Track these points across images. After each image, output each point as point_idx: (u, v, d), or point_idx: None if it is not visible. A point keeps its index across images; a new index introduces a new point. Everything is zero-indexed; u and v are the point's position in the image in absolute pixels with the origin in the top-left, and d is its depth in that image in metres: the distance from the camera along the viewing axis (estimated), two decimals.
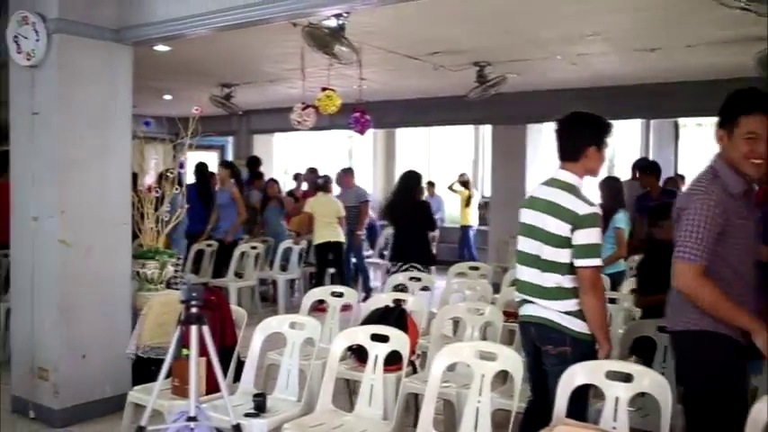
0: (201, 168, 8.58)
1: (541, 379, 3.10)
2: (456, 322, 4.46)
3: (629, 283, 5.14)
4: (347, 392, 4.30)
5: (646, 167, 7.23)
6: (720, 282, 2.60)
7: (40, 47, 4.36)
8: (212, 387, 3.45)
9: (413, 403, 4.02)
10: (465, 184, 11.82)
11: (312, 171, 10.47)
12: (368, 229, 10.32)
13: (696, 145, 11.68)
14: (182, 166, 5.06)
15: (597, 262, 2.95)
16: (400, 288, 5.29)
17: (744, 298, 2.61)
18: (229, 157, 13.85)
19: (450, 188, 12.00)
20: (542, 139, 10.26)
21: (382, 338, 3.50)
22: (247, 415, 3.35)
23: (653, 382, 2.73)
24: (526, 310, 3.13)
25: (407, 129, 13.67)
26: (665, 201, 6.45)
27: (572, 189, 3.03)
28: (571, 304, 2.98)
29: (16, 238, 4.67)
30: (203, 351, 3.01)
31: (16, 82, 4.62)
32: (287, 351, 3.81)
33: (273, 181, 9.79)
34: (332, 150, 15.21)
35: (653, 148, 11.89)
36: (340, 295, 4.70)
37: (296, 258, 8.62)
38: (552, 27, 5.94)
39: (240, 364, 3.84)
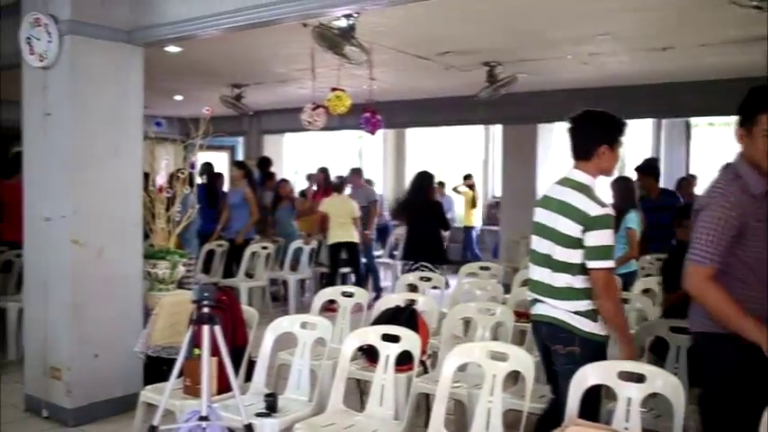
0: (207, 169, 8.60)
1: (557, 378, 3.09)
2: (467, 322, 4.46)
3: (640, 284, 5.13)
4: (358, 392, 4.30)
5: (643, 168, 7.00)
6: (739, 283, 2.57)
7: (52, 48, 4.39)
8: (224, 387, 3.46)
9: (424, 403, 4.02)
10: (470, 185, 11.82)
11: (323, 171, 10.48)
12: (380, 229, 10.32)
13: (708, 145, 11.54)
14: (192, 166, 5.07)
15: (609, 264, 2.93)
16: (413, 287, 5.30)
17: (763, 300, 2.58)
18: (240, 157, 13.85)
19: (456, 190, 12.00)
20: (553, 139, 10.22)
21: (393, 338, 3.50)
22: (259, 415, 3.36)
23: (665, 382, 2.71)
24: (537, 310, 3.12)
25: (417, 129, 13.64)
26: (664, 202, 6.44)
27: (584, 189, 3.00)
28: (581, 305, 2.97)
29: (29, 238, 4.70)
30: (215, 351, 3.03)
31: (29, 83, 4.65)
32: (298, 351, 3.81)
33: (285, 181, 9.82)
34: (342, 151, 15.21)
35: (664, 147, 11.79)
36: (351, 295, 4.71)
37: (306, 258, 8.63)
38: (563, 26, 5.91)
39: (251, 364, 3.85)
